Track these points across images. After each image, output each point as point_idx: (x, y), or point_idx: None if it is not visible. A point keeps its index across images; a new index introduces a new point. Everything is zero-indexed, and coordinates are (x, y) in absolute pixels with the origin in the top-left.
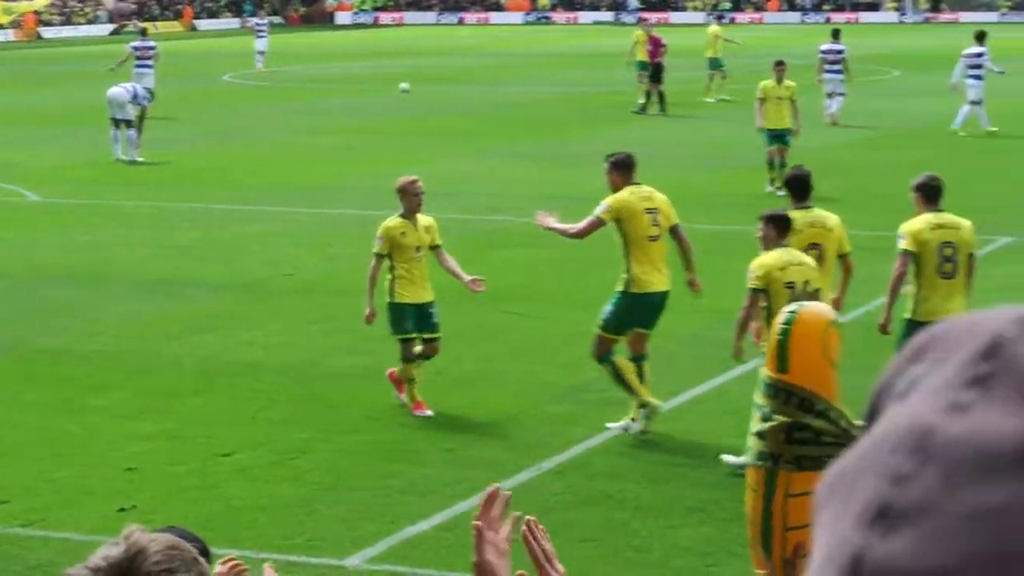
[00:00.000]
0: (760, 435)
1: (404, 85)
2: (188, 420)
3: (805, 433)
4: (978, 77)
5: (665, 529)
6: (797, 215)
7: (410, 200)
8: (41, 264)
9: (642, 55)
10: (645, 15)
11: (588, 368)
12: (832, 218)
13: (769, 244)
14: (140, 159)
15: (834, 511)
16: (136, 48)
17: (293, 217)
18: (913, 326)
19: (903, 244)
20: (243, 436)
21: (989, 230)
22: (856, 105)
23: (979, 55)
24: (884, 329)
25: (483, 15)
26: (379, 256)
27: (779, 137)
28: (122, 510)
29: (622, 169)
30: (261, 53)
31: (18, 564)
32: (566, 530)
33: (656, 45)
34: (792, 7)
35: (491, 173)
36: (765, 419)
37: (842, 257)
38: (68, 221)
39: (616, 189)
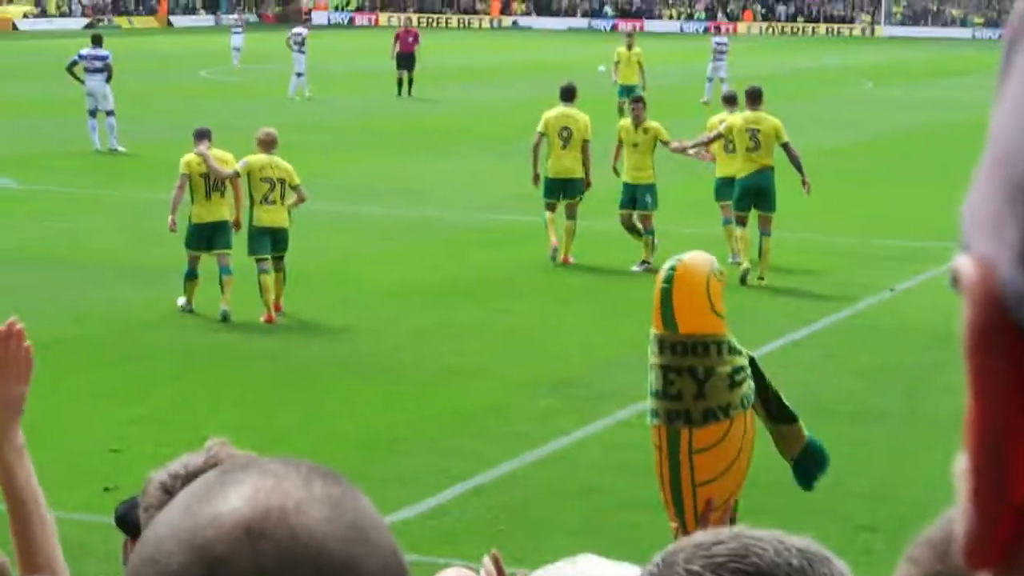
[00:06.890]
0: (659, 394)
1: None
2: (171, 404)
3: (715, 381)
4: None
5: (649, 522)
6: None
7: None
8: (21, 250)
9: (624, 78)
10: (620, 22)
11: (574, 363)
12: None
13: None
14: (121, 149)
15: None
16: (83, 57)
17: None
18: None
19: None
20: (225, 421)
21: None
22: (829, 115)
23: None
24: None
25: (462, 18)
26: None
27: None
28: (107, 490)
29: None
30: (237, 50)
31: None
32: (548, 522)
33: (411, 37)
34: (769, 18)
35: (467, 172)
36: (667, 379)
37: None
38: (47, 209)
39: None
